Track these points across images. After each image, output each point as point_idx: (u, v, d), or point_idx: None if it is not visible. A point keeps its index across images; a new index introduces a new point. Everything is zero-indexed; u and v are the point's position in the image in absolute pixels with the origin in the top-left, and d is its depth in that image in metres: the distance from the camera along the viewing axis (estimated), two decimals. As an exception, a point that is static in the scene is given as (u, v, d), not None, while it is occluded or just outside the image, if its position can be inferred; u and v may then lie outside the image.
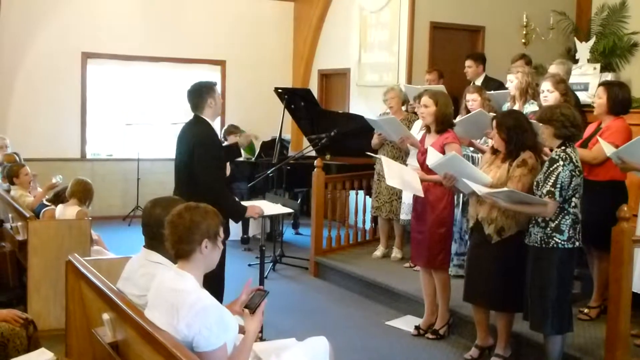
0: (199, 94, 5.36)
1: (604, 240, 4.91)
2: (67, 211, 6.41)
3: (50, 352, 3.70)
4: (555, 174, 4.60)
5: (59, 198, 6.83)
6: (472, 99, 6.78)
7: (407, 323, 6.41)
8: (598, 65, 9.06)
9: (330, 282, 7.97)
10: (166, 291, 3.18)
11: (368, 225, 9.03)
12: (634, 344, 5.13)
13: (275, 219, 8.89)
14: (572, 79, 8.32)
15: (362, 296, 7.37)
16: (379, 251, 8.20)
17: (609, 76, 8.65)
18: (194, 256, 3.19)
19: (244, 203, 5.71)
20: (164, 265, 3.55)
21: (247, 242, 9.61)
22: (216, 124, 11.29)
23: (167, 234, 3.21)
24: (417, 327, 6.17)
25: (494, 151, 5.30)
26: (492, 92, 7.18)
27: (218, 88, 5.55)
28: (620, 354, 4.70)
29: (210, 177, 5.22)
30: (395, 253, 8.04)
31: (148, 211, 3.77)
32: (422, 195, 5.74)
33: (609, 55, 9.57)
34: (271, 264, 8.41)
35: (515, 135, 5.02)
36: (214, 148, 5.33)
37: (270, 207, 5.79)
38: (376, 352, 5.79)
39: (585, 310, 5.82)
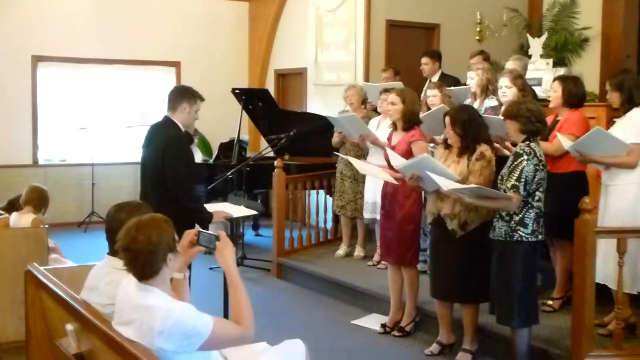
0: (178, 94, 5.32)
1: (566, 232, 4.98)
2: (22, 219, 6.26)
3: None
4: (520, 168, 4.64)
5: (12, 206, 6.66)
6: (432, 95, 6.83)
7: (372, 321, 6.41)
8: (551, 61, 9.22)
9: (294, 283, 7.94)
10: (133, 309, 3.06)
11: (330, 225, 9.02)
12: (598, 333, 5.19)
13: (234, 221, 8.81)
14: (527, 74, 8.45)
15: (327, 296, 7.35)
16: (341, 250, 8.19)
17: (561, 71, 8.79)
18: (160, 272, 3.06)
19: (216, 207, 5.67)
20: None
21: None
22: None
23: (126, 262, 3.03)
24: (383, 325, 6.17)
25: (447, 146, 5.33)
26: (452, 88, 7.23)
27: (201, 104, 5.42)
28: (586, 344, 4.76)
29: (181, 182, 5.16)
30: (359, 251, 8.04)
31: (112, 216, 3.66)
32: (396, 183, 5.72)
33: (561, 51, 9.74)
34: (233, 266, 8.31)
35: (471, 129, 5.07)
36: (185, 152, 5.29)
37: (234, 209, 5.75)
38: (344, 352, 5.78)
39: (549, 302, 5.89)
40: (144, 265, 3.00)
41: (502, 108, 5.60)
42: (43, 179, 10.54)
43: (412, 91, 6.10)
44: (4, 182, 9.96)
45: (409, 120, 5.87)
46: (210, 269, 8.12)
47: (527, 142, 4.72)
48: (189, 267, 4.11)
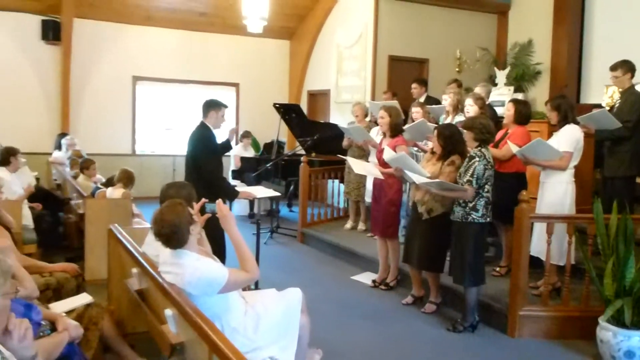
0: (208, 105, 5.26)
1: (510, 217, 4.83)
2: (115, 192, 6.32)
3: (90, 296, 3.59)
4: (473, 167, 4.53)
5: (109, 183, 6.72)
6: (415, 112, 6.70)
7: (366, 277, 6.32)
8: (512, 88, 9.02)
9: (313, 247, 7.86)
10: (170, 264, 3.05)
11: (342, 205, 8.93)
12: (532, 294, 5.06)
13: (273, 200, 8.80)
14: (493, 97, 8.25)
15: (335, 257, 7.26)
16: (348, 224, 8.09)
17: (519, 95, 8.58)
18: (188, 241, 3.02)
19: (245, 189, 5.64)
20: None
21: (253, 217, 9.48)
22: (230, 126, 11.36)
23: (162, 243, 3.00)
24: (373, 281, 6.09)
25: (432, 152, 5.22)
26: (432, 106, 7.10)
27: (225, 110, 5.33)
28: (520, 300, 4.67)
29: (210, 167, 5.13)
30: (361, 226, 7.92)
31: (164, 192, 3.64)
32: (383, 178, 5.63)
33: (520, 80, 9.51)
34: (269, 233, 8.30)
35: (450, 143, 4.94)
36: (211, 145, 5.22)
37: (263, 190, 5.70)
38: (344, 299, 5.70)
39: (497, 269, 5.74)
40: (175, 242, 2.99)
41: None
42: (138, 164, 10.64)
43: (397, 107, 5.99)
44: (111, 166, 9.92)
45: (394, 130, 5.77)
46: (253, 234, 8.02)
47: (479, 148, 4.60)
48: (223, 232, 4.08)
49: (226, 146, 5.69)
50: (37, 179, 7.75)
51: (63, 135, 9.60)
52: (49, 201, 7.04)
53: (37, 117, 10.40)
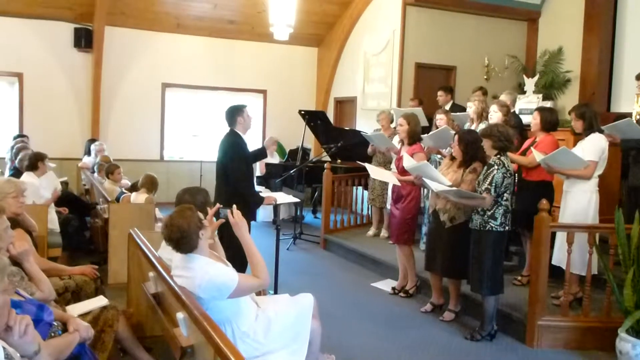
0: (232, 113, 5.32)
1: (533, 226, 4.78)
2: (139, 197, 6.44)
3: (106, 299, 3.67)
4: (491, 175, 4.50)
5: (134, 188, 6.85)
6: (440, 119, 6.75)
7: (386, 284, 6.31)
8: (541, 96, 8.91)
9: (335, 253, 7.87)
10: (181, 268, 3.12)
11: (365, 212, 8.93)
12: (553, 304, 4.99)
13: (297, 207, 8.85)
14: (522, 106, 8.18)
15: (356, 264, 7.27)
16: (371, 231, 8.09)
17: (548, 104, 8.48)
18: (198, 246, 3.07)
19: (267, 194, 5.71)
20: None
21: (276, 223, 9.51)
22: (258, 135, 11.45)
23: (173, 248, 3.07)
24: (393, 288, 6.08)
25: (452, 158, 5.20)
26: (456, 114, 7.07)
27: (247, 109, 5.41)
28: (539, 310, 4.61)
29: (238, 174, 5.18)
30: (383, 233, 7.91)
31: (180, 197, 3.73)
32: (400, 185, 5.63)
33: (549, 88, 9.36)
34: (292, 239, 8.35)
35: (471, 149, 4.92)
36: (241, 153, 5.28)
37: (284, 196, 5.75)
38: (363, 305, 5.71)
39: (519, 278, 5.69)
40: (185, 246, 3.04)
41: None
42: (166, 170, 10.88)
43: (416, 116, 5.97)
44: (139, 172, 10.05)
45: (412, 137, 5.77)
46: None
47: (498, 156, 4.56)
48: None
49: (260, 153, 5.78)
50: (66, 184, 7.96)
51: (92, 141, 9.83)
52: (75, 206, 7.22)
53: (68, 123, 10.69)
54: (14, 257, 3.15)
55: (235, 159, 5.17)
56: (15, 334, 2.00)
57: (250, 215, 5.03)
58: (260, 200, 5.28)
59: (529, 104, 8.37)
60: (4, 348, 1.92)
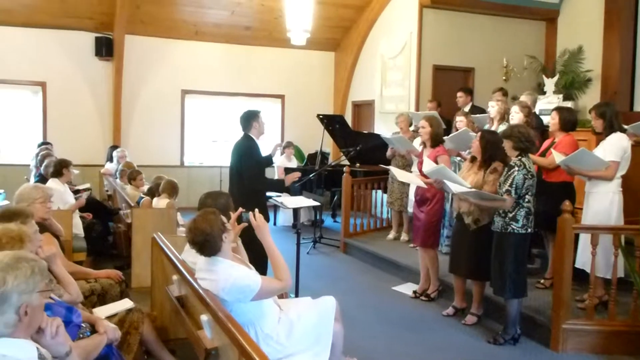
0: (248, 119, 5.40)
1: (556, 227, 4.73)
2: (160, 202, 6.51)
3: (131, 302, 3.72)
4: (512, 177, 4.47)
5: (152, 193, 6.93)
6: (459, 121, 6.73)
7: (407, 288, 6.29)
8: (561, 96, 8.85)
9: (355, 257, 7.87)
10: (205, 271, 3.16)
11: (384, 215, 8.92)
12: (578, 307, 4.94)
13: (316, 211, 8.87)
14: (541, 106, 8.11)
15: (377, 268, 7.26)
16: (391, 235, 8.07)
17: (569, 104, 8.42)
18: (221, 249, 3.11)
19: (287, 198, 5.76)
20: None
21: (296, 227, 9.54)
22: (276, 139, 11.48)
23: (197, 251, 3.12)
24: (414, 292, 6.06)
25: (472, 159, 5.18)
26: (476, 115, 7.04)
27: (261, 115, 5.51)
28: (563, 314, 4.55)
29: (253, 175, 5.30)
30: (404, 236, 7.90)
31: (202, 200, 3.78)
32: (425, 187, 5.61)
33: (569, 88, 9.27)
34: (312, 243, 8.37)
35: (491, 148, 4.90)
36: (255, 156, 5.38)
37: (304, 200, 5.77)
38: (384, 309, 5.70)
39: (542, 281, 5.63)
40: (208, 249, 3.08)
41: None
42: (186, 176, 10.99)
43: (437, 118, 5.97)
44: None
45: (435, 140, 5.76)
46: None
47: (519, 157, 4.54)
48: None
49: (269, 160, 5.86)
50: (89, 190, 8.06)
51: (114, 147, 9.98)
52: (99, 211, 7.33)
53: (90, 130, 10.86)
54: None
55: (250, 162, 5.28)
56: (48, 335, 2.05)
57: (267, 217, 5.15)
58: (282, 184, 5.46)
59: (549, 104, 8.29)
60: (37, 349, 1.97)
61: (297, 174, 5.58)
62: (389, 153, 7.79)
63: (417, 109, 9.29)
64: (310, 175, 8.50)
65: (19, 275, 1.90)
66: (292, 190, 9.07)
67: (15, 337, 1.92)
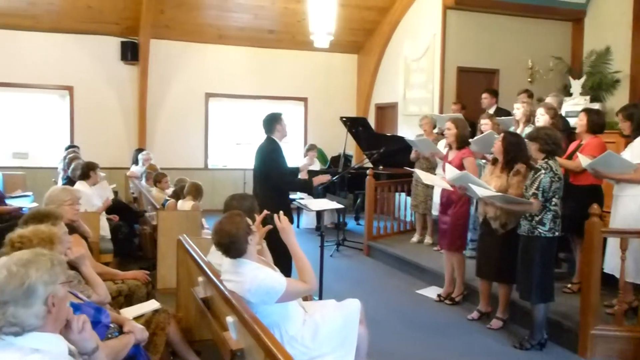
0: (271, 122, 5.44)
1: (583, 231, 4.67)
2: (185, 205, 6.57)
3: (158, 303, 3.76)
4: (538, 180, 4.43)
5: (177, 195, 6.99)
6: (484, 123, 6.66)
7: (431, 292, 6.26)
8: (588, 98, 8.72)
9: (378, 260, 7.86)
10: (231, 273, 3.18)
11: (408, 218, 8.88)
12: (606, 312, 4.86)
13: (340, 213, 8.87)
14: (568, 108, 8.00)
15: (401, 271, 7.23)
16: (415, 238, 8.03)
17: (596, 105, 8.28)
18: (247, 251, 3.13)
19: (311, 201, 5.78)
20: None
21: (320, 229, 9.55)
22: (299, 142, 11.51)
23: (222, 253, 3.14)
24: (439, 295, 6.02)
25: (494, 162, 5.13)
26: (500, 118, 6.99)
27: (284, 117, 5.56)
28: (592, 319, 4.48)
29: (279, 175, 5.37)
30: (427, 239, 7.86)
31: (227, 203, 3.81)
32: (451, 189, 5.57)
33: (596, 89, 9.13)
34: (335, 246, 8.37)
35: (513, 149, 4.86)
36: (280, 158, 5.43)
37: (328, 203, 5.78)
38: (408, 312, 5.69)
39: (569, 286, 5.56)
40: (234, 251, 3.11)
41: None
42: (210, 178, 11.07)
43: (463, 120, 5.94)
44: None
45: (461, 142, 5.72)
46: (320, 246, 8.15)
47: (546, 160, 4.48)
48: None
49: (295, 171, 5.99)
50: (115, 192, 8.19)
51: (140, 150, 10.11)
52: (125, 213, 7.42)
53: (116, 133, 11.03)
54: (72, 262, 3.27)
55: (275, 164, 5.34)
56: (75, 330, 2.10)
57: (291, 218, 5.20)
58: (310, 185, 5.54)
59: (575, 106, 8.18)
60: (67, 345, 2.02)
61: (328, 177, 5.63)
62: (412, 156, 7.75)
63: (441, 112, 9.24)
64: (334, 178, 8.49)
65: (40, 268, 1.95)
66: (315, 193, 9.09)
67: (45, 332, 1.97)
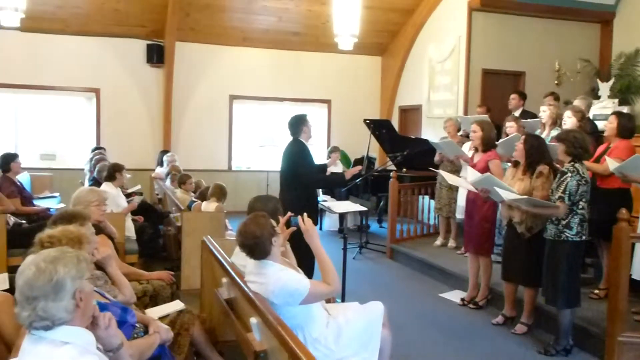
0: (297, 124, 5.48)
1: (610, 236, 4.60)
2: (209, 206, 6.63)
3: (182, 303, 3.80)
4: (565, 183, 4.38)
5: (202, 196, 7.05)
6: (509, 126, 6.65)
7: (455, 295, 6.22)
8: (616, 101, 8.59)
9: (401, 263, 7.83)
10: (254, 274, 3.20)
11: (431, 222, 8.83)
12: (634, 319, 4.77)
13: (363, 216, 8.87)
14: (596, 111, 7.90)
15: (424, 274, 7.20)
16: (438, 241, 7.99)
17: (624, 109, 8.14)
18: (271, 252, 3.14)
19: (334, 203, 5.80)
20: None
21: (343, 232, 9.56)
22: (322, 144, 11.53)
23: (246, 254, 3.16)
24: (462, 299, 5.99)
25: (515, 164, 5.09)
26: (526, 120, 6.93)
27: (309, 118, 5.64)
28: (619, 326, 4.39)
29: (309, 173, 5.46)
30: (451, 243, 7.81)
31: (251, 204, 3.82)
32: (475, 191, 5.53)
33: (625, 92, 8.99)
34: (358, 248, 8.36)
35: (534, 152, 4.83)
36: (308, 158, 5.50)
37: (351, 205, 5.79)
38: (431, 316, 5.66)
39: (596, 291, 5.48)
40: (258, 253, 3.13)
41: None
42: (234, 180, 11.14)
43: (489, 122, 5.90)
44: (208, 182, 10.41)
45: (487, 144, 5.68)
46: (342, 249, 8.17)
47: (572, 163, 4.43)
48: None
49: (323, 167, 6.00)
50: (141, 194, 8.30)
51: (165, 152, 10.23)
52: (150, 214, 7.52)
53: (142, 135, 11.18)
54: (98, 262, 3.34)
55: (304, 162, 5.41)
56: (102, 326, 2.16)
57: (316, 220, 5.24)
58: (342, 179, 5.64)
59: (603, 109, 8.06)
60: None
61: (359, 167, 5.74)
62: (437, 158, 7.70)
63: (466, 114, 9.17)
64: (357, 180, 8.49)
65: (67, 264, 2.02)
66: (338, 195, 9.11)
67: (74, 326, 2.03)
